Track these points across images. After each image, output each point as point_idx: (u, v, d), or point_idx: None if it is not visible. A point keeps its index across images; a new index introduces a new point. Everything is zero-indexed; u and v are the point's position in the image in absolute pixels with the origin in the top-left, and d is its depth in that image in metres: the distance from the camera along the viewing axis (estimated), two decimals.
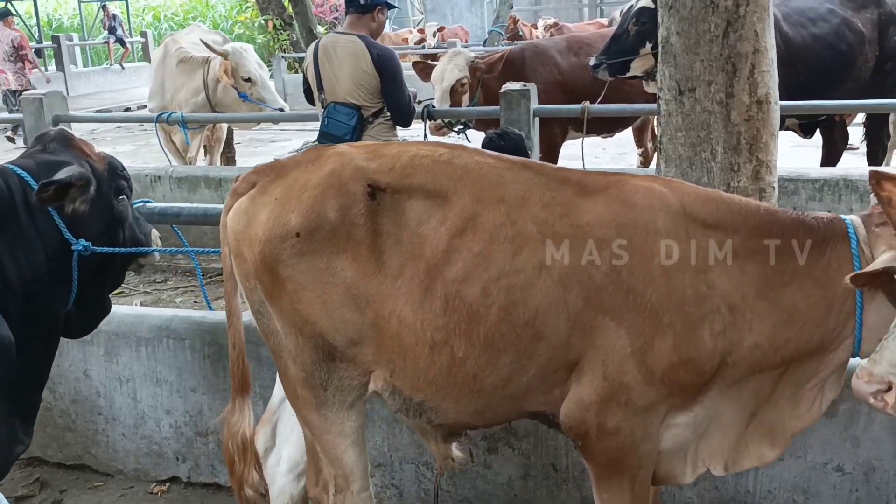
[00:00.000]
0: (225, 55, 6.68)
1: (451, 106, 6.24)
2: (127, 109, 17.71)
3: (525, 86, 5.77)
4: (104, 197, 2.79)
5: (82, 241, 2.68)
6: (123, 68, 23.08)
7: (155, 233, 3.10)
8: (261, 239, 2.32)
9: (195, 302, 5.98)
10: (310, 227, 2.28)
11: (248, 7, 24.00)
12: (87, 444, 3.78)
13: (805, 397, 2.31)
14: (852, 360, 2.27)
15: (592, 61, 6.06)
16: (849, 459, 2.86)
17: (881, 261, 2.08)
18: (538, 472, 3.17)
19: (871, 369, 1.89)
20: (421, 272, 2.26)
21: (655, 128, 6.82)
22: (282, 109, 7.07)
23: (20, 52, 13.74)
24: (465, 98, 6.35)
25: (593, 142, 7.98)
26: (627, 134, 7.74)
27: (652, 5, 5.73)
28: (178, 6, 29.65)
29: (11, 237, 2.53)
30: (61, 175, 2.55)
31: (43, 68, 18.40)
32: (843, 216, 2.30)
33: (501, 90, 5.78)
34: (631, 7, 6.11)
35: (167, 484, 3.67)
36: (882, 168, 1.82)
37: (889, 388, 1.88)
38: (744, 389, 2.29)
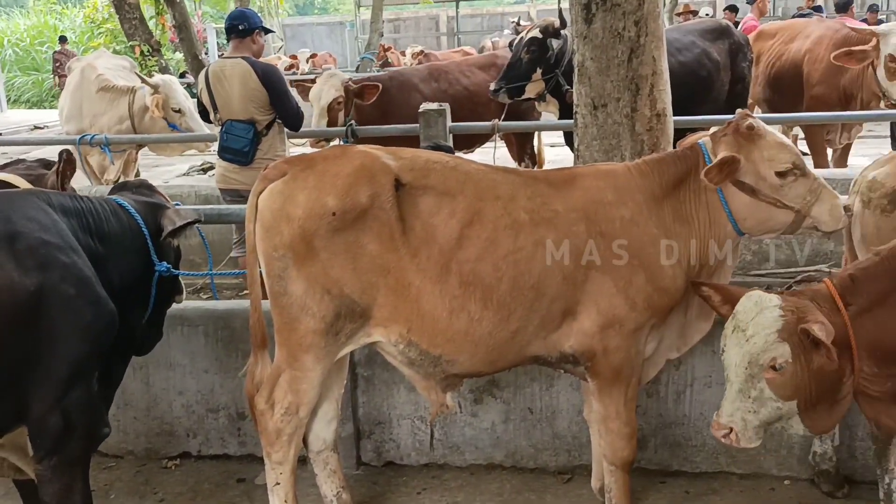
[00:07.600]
0: (156, 88, 7.03)
1: (328, 123, 6.85)
2: None
3: (441, 105, 6.47)
4: None
5: (164, 264, 3.14)
6: None
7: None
8: (300, 216, 2.86)
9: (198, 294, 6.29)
10: (344, 208, 2.86)
11: (100, 33, 23.45)
12: None
13: (723, 274, 3.15)
14: None
15: (492, 86, 6.84)
16: None
17: (718, 158, 2.93)
18: (517, 415, 3.84)
19: (718, 420, 2.68)
20: (436, 253, 2.90)
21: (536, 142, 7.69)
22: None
23: None
24: (341, 115, 6.99)
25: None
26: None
27: (540, 36, 6.64)
28: (23, 31, 28.41)
29: (117, 255, 2.97)
30: (190, 217, 3.14)
31: None
32: (699, 141, 3.14)
33: (420, 110, 6.44)
34: (522, 38, 6.94)
35: (178, 459, 4.06)
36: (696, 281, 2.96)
37: (731, 431, 2.65)
38: None
